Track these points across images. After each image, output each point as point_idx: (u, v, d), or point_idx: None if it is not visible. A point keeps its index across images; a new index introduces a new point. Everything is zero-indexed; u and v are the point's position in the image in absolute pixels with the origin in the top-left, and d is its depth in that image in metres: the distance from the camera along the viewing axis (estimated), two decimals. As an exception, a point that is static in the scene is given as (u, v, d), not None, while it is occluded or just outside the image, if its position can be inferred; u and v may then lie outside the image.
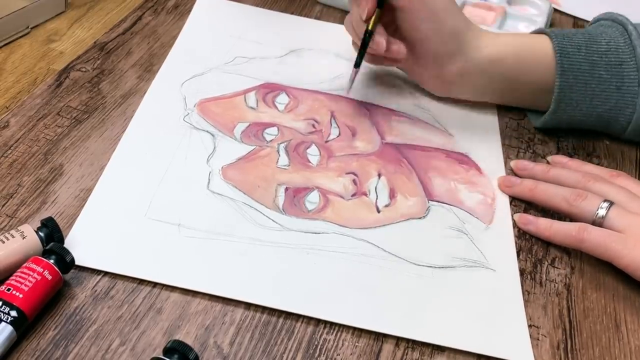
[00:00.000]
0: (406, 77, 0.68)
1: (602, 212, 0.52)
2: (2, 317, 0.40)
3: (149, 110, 0.59)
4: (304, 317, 0.46)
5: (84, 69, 0.62)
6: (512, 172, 0.60)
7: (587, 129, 0.64)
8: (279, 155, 0.57)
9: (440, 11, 0.59)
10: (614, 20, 0.63)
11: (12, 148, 0.54)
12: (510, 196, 0.58)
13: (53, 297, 0.43)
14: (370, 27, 0.58)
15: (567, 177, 0.57)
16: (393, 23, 0.60)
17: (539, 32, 0.64)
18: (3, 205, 0.49)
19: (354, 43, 0.63)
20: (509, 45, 0.61)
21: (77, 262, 0.45)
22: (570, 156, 0.61)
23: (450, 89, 0.64)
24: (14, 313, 0.40)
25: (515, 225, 0.55)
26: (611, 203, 0.52)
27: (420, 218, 0.54)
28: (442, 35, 0.59)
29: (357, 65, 0.60)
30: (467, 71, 0.61)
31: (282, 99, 0.63)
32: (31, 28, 0.67)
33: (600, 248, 0.50)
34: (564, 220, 0.54)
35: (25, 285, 0.41)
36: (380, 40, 0.57)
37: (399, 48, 0.58)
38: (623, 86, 0.60)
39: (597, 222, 0.52)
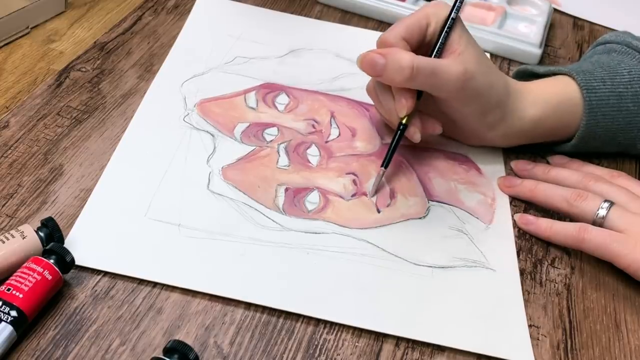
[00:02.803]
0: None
1: (602, 212, 0.52)
2: (2, 317, 0.40)
3: (149, 110, 0.59)
4: (304, 317, 0.46)
5: (84, 69, 0.62)
6: (512, 172, 0.60)
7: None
8: (279, 155, 0.57)
9: (484, 90, 0.55)
10: (627, 46, 0.62)
11: (12, 148, 0.54)
12: (510, 196, 0.58)
13: (53, 297, 0.43)
14: (405, 122, 0.54)
15: (567, 178, 0.57)
16: (427, 101, 0.56)
17: (555, 71, 0.61)
18: (3, 205, 0.49)
19: (375, 107, 0.60)
20: (548, 104, 0.58)
21: (77, 262, 0.45)
22: (571, 156, 0.61)
23: (489, 144, 0.61)
24: (14, 313, 0.40)
25: (515, 225, 0.55)
26: (611, 203, 0.52)
27: (420, 218, 0.54)
28: (485, 112, 0.56)
29: (386, 165, 0.55)
30: (510, 134, 0.59)
31: (282, 99, 0.63)
32: (31, 28, 0.67)
33: (600, 248, 0.50)
34: (565, 221, 0.54)
35: (25, 285, 0.41)
36: (414, 133, 0.55)
37: (433, 127, 0.56)
38: None
39: (598, 222, 0.52)
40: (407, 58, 0.51)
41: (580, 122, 0.59)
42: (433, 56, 0.54)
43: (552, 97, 0.59)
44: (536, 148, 0.62)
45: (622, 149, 0.62)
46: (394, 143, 0.55)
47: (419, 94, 0.55)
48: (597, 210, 0.52)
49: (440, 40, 0.54)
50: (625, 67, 0.59)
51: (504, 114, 0.57)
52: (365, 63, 0.53)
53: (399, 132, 0.55)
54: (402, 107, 0.54)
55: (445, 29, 0.54)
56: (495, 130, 0.58)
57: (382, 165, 0.55)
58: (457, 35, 0.54)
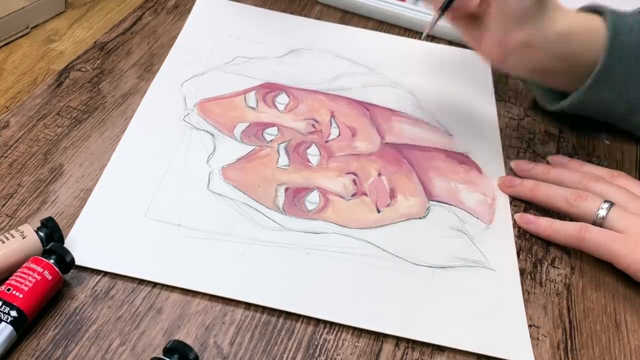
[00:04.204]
0: (405, 77, 0.68)
1: (602, 212, 0.52)
2: (2, 317, 0.40)
3: (149, 110, 0.59)
4: (304, 317, 0.46)
5: (84, 69, 0.62)
6: (512, 172, 0.60)
7: (600, 119, 0.61)
8: (279, 155, 0.57)
9: None
10: None
11: (12, 148, 0.54)
12: (510, 196, 0.58)
13: (53, 297, 0.43)
14: None
15: (567, 178, 0.57)
16: None
17: (592, 8, 0.60)
18: (3, 205, 0.49)
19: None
20: (577, 24, 0.57)
21: (77, 262, 0.45)
22: (571, 156, 0.61)
23: (507, 58, 0.58)
24: (14, 313, 0.40)
25: (515, 225, 0.55)
26: (612, 204, 0.52)
27: (420, 218, 0.54)
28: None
29: (445, 9, 0.55)
30: (532, 42, 0.56)
31: (282, 99, 0.63)
32: (31, 28, 0.67)
33: (600, 248, 0.51)
34: (565, 220, 0.54)
35: (25, 285, 0.41)
36: None
37: None
38: None
39: (598, 223, 0.52)
40: None
41: (596, 65, 0.57)
42: None
43: (582, 21, 0.58)
44: (536, 146, 0.62)
45: (626, 111, 0.60)
46: None
47: None
48: (597, 210, 0.52)
49: None
50: None
51: (536, 12, 0.55)
52: None
53: None
54: None
55: None
56: (521, 30, 0.56)
57: (441, 9, 0.56)
58: None
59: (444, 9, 0.56)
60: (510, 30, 0.56)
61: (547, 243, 0.54)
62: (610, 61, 0.57)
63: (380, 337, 0.46)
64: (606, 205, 0.52)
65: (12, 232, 0.44)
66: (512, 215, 0.56)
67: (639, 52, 0.57)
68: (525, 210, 0.57)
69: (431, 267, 0.50)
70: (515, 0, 0.55)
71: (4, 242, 0.44)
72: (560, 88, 0.62)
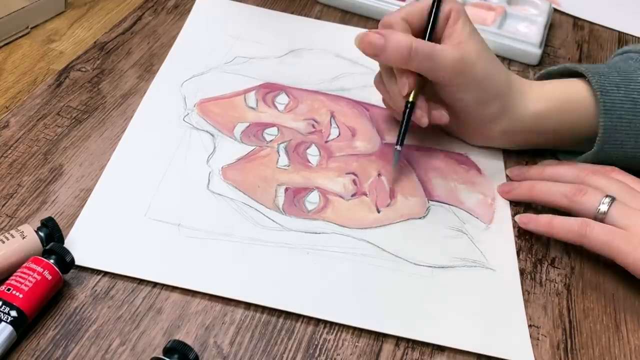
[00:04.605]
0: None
1: (603, 207, 0.51)
2: (2, 317, 0.40)
3: (149, 110, 0.59)
4: (304, 317, 0.46)
5: (84, 69, 0.62)
6: (510, 177, 0.60)
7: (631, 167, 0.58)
8: (279, 155, 0.57)
9: (482, 79, 0.55)
10: None
11: (12, 148, 0.54)
12: (511, 201, 0.57)
13: (53, 297, 0.43)
14: (411, 99, 0.55)
15: (563, 173, 0.56)
16: (431, 90, 0.57)
17: (570, 68, 0.60)
18: (3, 205, 0.49)
19: (384, 101, 0.61)
20: (552, 100, 0.58)
21: (77, 262, 0.45)
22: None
23: (491, 143, 0.61)
24: (14, 313, 0.40)
25: (515, 225, 0.55)
26: (613, 199, 0.51)
27: (420, 218, 0.54)
28: (484, 102, 0.56)
29: (401, 144, 0.55)
30: (511, 130, 0.58)
31: (282, 99, 0.63)
32: (31, 28, 0.67)
33: (602, 245, 0.50)
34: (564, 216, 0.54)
35: (25, 285, 0.41)
36: (422, 117, 0.55)
37: (440, 115, 0.56)
38: None
39: (599, 218, 0.51)
40: (406, 39, 0.53)
41: (590, 126, 0.57)
42: (428, 37, 0.55)
43: (557, 95, 0.58)
44: (538, 150, 0.62)
45: None
46: (403, 122, 0.55)
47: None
48: (598, 205, 0.51)
49: (431, 18, 0.55)
50: None
51: (505, 107, 0.57)
52: (364, 43, 0.54)
53: (407, 110, 0.55)
54: (404, 84, 0.54)
55: (435, 5, 0.55)
56: (496, 124, 0.58)
57: (396, 144, 0.55)
58: (460, 27, 0.55)
59: (401, 143, 0.55)
60: (485, 127, 0.59)
61: (547, 243, 0.54)
62: (610, 122, 0.56)
63: (380, 337, 0.46)
64: (607, 200, 0.51)
65: (12, 232, 0.44)
66: (512, 215, 0.56)
67: (633, 107, 0.56)
68: (526, 210, 0.57)
69: (431, 267, 0.50)
70: (476, 110, 0.57)
71: (4, 242, 0.44)
72: (570, 149, 0.61)
